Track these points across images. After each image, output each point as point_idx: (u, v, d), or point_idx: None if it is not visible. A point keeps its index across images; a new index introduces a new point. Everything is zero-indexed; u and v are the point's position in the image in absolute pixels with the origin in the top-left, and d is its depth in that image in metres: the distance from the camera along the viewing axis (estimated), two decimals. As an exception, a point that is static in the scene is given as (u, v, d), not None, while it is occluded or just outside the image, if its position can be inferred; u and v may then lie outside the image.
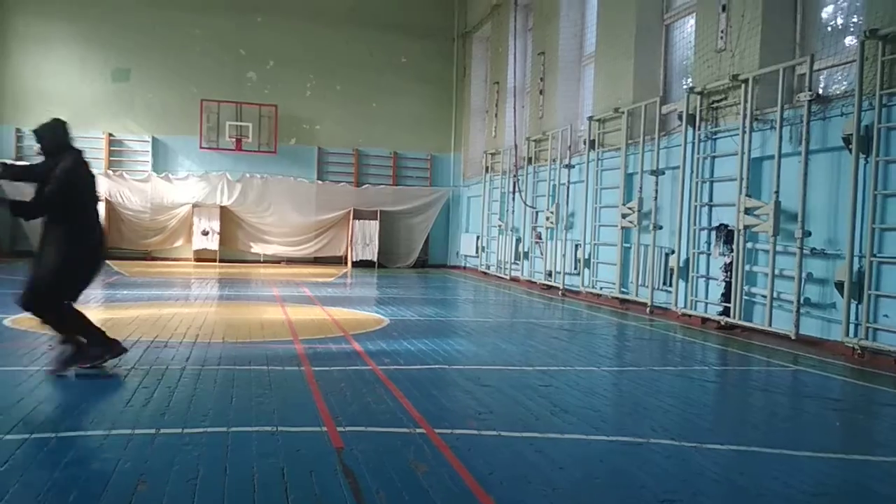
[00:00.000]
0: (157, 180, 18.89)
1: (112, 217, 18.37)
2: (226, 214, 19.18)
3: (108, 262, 17.22)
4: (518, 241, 16.14)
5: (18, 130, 18.17)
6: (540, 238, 14.97)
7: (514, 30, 16.45)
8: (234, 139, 18.86)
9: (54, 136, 5.48)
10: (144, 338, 6.90)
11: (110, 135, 18.73)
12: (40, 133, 5.46)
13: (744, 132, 8.85)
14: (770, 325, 8.36)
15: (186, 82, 18.90)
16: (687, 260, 9.99)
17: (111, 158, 18.73)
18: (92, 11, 18.41)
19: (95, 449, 3.63)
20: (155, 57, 18.84)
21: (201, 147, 18.88)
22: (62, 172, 5.22)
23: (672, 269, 10.24)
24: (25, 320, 7.73)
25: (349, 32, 19.91)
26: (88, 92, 18.54)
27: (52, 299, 5.31)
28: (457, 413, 4.70)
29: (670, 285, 10.33)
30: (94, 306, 9.88)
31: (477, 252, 18.78)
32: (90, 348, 5.34)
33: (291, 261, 19.77)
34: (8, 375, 5.23)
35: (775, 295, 8.35)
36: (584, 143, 13.16)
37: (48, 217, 5.30)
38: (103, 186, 18.32)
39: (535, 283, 14.89)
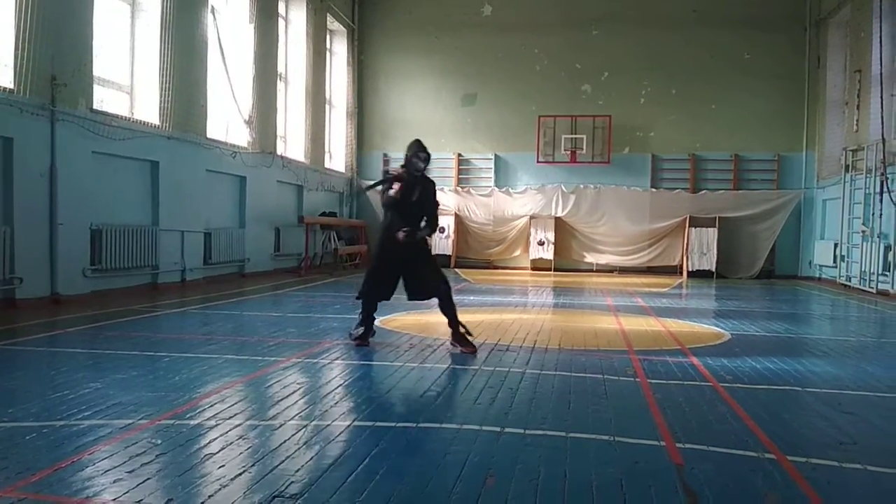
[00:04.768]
0: (499, 194, 20.22)
1: (460, 229, 20.14)
2: (560, 225, 19.79)
3: (457, 270, 18.96)
4: (887, 248, 14.05)
5: (385, 155, 20.85)
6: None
7: (880, 10, 14.40)
8: (568, 152, 19.39)
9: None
10: (489, 340, 7.40)
11: (459, 155, 20.54)
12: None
13: None
14: None
15: (525, 101, 19.95)
16: None
17: (460, 176, 20.53)
18: (445, 44, 20.42)
19: (450, 440, 3.98)
20: (497, 80, 20.22)
21: (538, 161, 19.75)
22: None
23: None
24: (389, 321, 8.81)
25: (685, 34, 19.27)
26: (441, 117, 20.57)
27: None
28: (813, 441, 4.23)
29: None
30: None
31: (835, 262, 16.77)
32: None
33: (624, 270, 19.66)
34: (378, 370, 6.00)
35: None
36: (978, 131, 11.01)
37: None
38: (453, 202, 20.19)
39: (911, 297, 12.80)
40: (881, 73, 14.45)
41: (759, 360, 6.68)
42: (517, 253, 20.37)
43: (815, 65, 18.71)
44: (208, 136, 13.40)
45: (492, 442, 4.00)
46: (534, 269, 19.81)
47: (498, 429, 4.24)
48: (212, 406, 4.59)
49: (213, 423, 4.22)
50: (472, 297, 12.33)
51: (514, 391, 5.22)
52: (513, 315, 9.90)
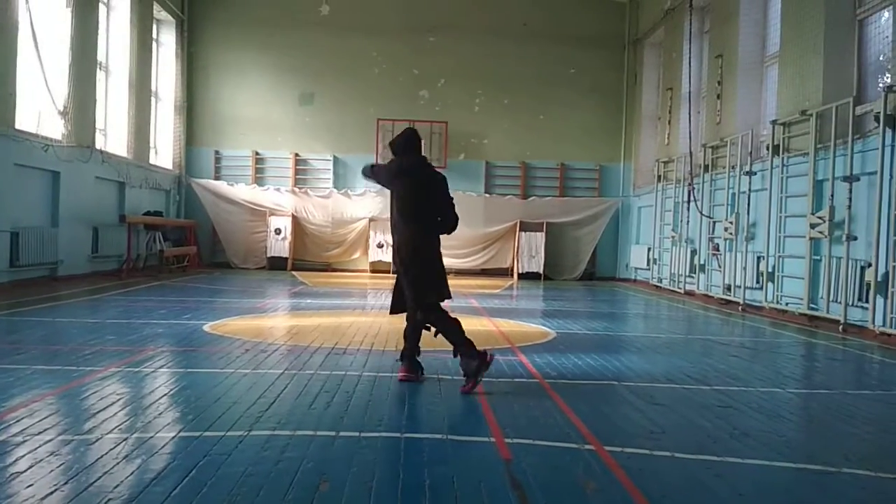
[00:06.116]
0: (338, 196, 20.05)
1: (297, 231, 19.76)
2: (399, 228, 19.91)
3: (293, 272, 18.58)
4: (693, 252, 15.46)
5: (217, 153, 20.04)
6: (717, 250, 14.24)
7: (690, 33, 15.84)
8: (407, 155, 19.57)
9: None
10: (326, 344, 7.33)
11: (297, 154, 20.15)
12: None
13: (956, 132, 7.94)
14: None
15: (364, 103, 19.92)
16: (886, 273, 9.09)
17: (297, 177, 20.15)
18: (281, 42, 19.94)
19: (283, 447, 3.90)
20: (336, 81, 20.06)
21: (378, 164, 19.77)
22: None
23: (869, 284, 9.38)
24: (221, 326, 8.48)
25: (517, 46, 20.12)
26: (278, 116, 20.07)
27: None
28: (627, 431, 4.57)
29: (867, 301, 9.46)
30: (281, 314, 10.65)
31: (648, 264, 18.19)
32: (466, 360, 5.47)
33: (459, 272, 20.15)
34: (207, 377, 5.76)
35: None
36: (767, 148, 12.40)
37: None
38: (290, 203, 19.76)
39: (712, 297, 14.17)
40: (689, 92, 15.89)
41: (581, 357, 7.12)
42: (356, 255, 20.29)
43: (633, 82, 20.22)
44: (17, 126, 12.23)
45: (326, 446, 3.97)
46: (373, 271, 19.82)
47: (333, 433, 4.21)
48: (18, 421, 4.19)
49: (20, 439, 3.86)
50: (308, 301, 12.14)
51: (350, 394, 5.20)
52: (350, 318, 9.86)
